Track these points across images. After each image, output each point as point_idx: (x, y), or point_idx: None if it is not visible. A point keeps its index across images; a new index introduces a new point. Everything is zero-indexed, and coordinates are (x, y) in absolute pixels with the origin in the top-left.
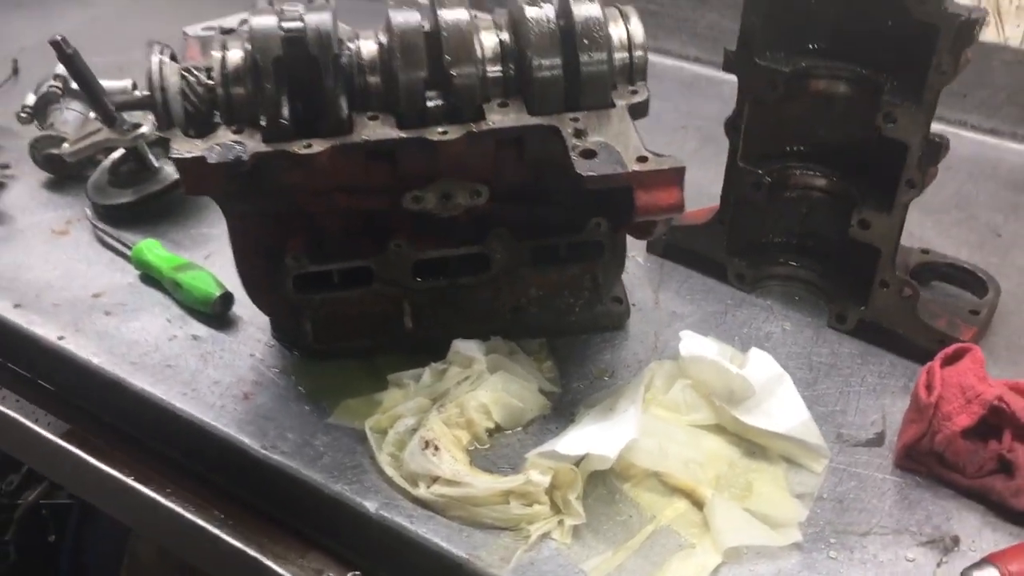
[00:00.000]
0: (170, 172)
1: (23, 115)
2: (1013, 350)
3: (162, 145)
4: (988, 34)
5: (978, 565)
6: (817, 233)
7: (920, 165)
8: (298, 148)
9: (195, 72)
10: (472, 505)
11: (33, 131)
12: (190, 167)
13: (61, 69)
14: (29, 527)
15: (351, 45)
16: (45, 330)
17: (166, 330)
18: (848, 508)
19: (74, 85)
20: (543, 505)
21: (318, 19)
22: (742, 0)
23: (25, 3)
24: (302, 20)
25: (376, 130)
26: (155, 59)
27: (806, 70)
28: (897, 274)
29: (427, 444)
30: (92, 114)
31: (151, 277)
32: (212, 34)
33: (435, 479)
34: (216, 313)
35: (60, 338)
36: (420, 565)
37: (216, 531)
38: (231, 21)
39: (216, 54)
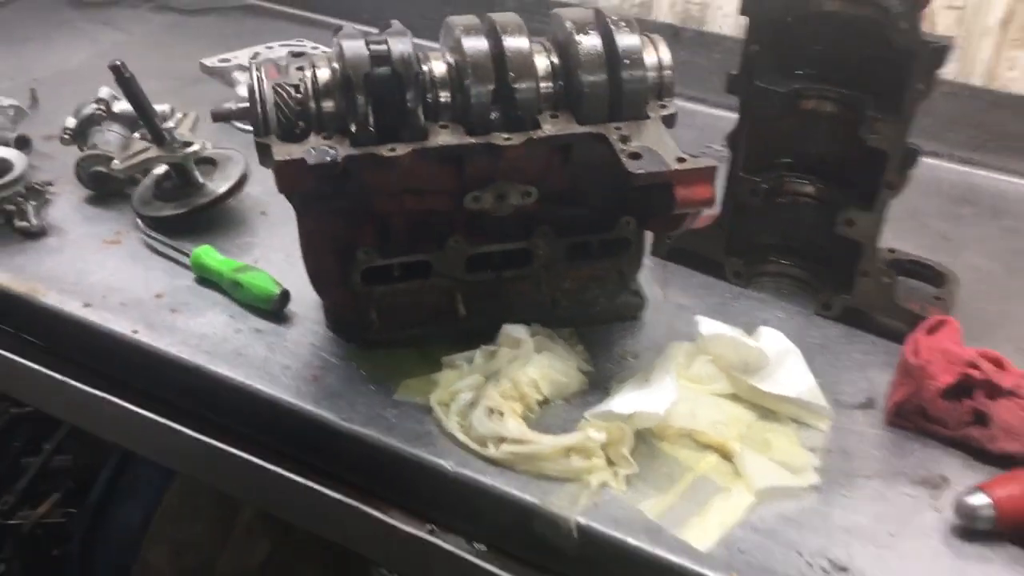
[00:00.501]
0: (213, 187)
1: (65, 136)
2: (971, 334)
3: (208, 163)
4: None
5: (970, 492)
6: (803, 235)
7: (899, 170)
8: (384, 151)
9: (286, 87)
10: (538, 460)
11: (70, 152)
12: (288, 168)
13: (104, 93)
14: (30, 543)
15: (423, 66)
16: (119, 325)
17: (230, 324)
18: (852, 457)
19: (116, 108)
20: (600, 459)
21: (400, 41)
22: (711, 40)
23: (33, 37)
24: (387, 42)
25: (449, 137)
26: (256, 75)
27: (799, 91)
28: (877, 265)
29: (491, 411)
30: (136, 134)
31: (207, 280)
32: (227, 65)
33: (502, 440)
34: (275, 309)
35: (135, 332)
36: (496, 513)
37: (319, 487)
38: (243, 55)
39: (307, 72)
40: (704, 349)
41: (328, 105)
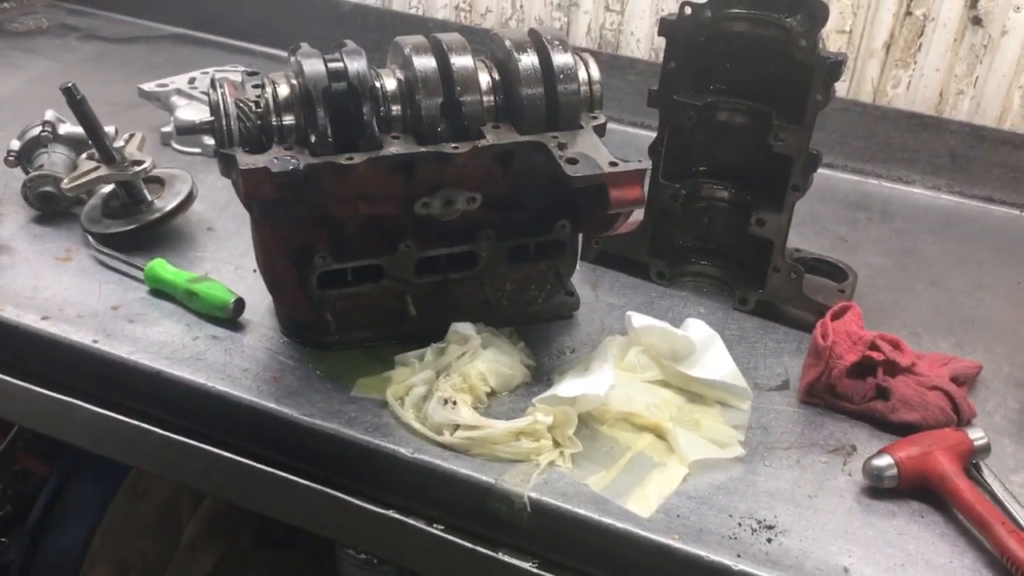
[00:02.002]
0: (161, 204)
1: (10, 159)
2: (870, 322)
3: (156, 181)
4: None
5: (876, 455)
6: (720, 237)
7: (803, 173)
8: (342, 160)
9: (247, 102)
10: (491, 443)
11: (12, 174)
12: (253, 175)
13: (50, 115)
14: None
15: (377, 82)
16: (79, 336)
17: (188, 333)
18: (771, 433)
19: (61, 131)
20: (547, 440)
21: (356, 58)
22: (625, 63)
23: None
24: (343, 60)
25: (402, 146)
26: (220, 91)
27: (712, 104)
28: (786, 260)
29: (446, 401)
30: (83, 155)
31: (161, 292)
32: (165, 89)
33: (457, 427)
34: (230, 317)
35: (95, 342)
36: (454, 494)
37: (287, 475)
38: (180, 80)
39: (267, 89)
40: (636, 341)
41: (288, 119)
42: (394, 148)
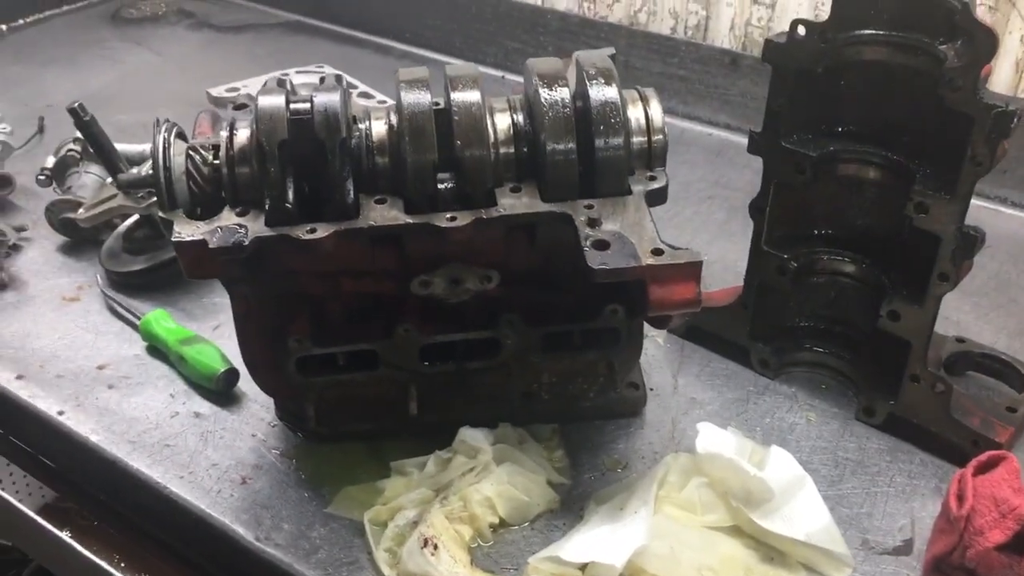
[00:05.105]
0: None
1: (41, 177)
2: None
3: None
4: None
5: None
6: (846, 319)
7: (953, 258)
8: (301, 233)
9: (202, 151)
10: None
11: (53, 194)
12: (190, 250)
13: None
14: None
15: (361, 126)
16: (46, 404)
17: (169, 406)
18: None
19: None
20: None
21: (326, 100)
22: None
23: (57, 59)
24: (310, 101)
25: (382, 214)
26: (160, 138)
27: (834, 154)
28: (929, 369)
29: (426, 542)
30: (109, 179)
31: (158, 349)
32: (236, 95)
33: None
34: (220, 390)
35: (60, 413)
36: None
37: None
38: (255, 84)
39: (223, 133)
40: (701, 468)
41: (244, 173)
42: (373, 216)
